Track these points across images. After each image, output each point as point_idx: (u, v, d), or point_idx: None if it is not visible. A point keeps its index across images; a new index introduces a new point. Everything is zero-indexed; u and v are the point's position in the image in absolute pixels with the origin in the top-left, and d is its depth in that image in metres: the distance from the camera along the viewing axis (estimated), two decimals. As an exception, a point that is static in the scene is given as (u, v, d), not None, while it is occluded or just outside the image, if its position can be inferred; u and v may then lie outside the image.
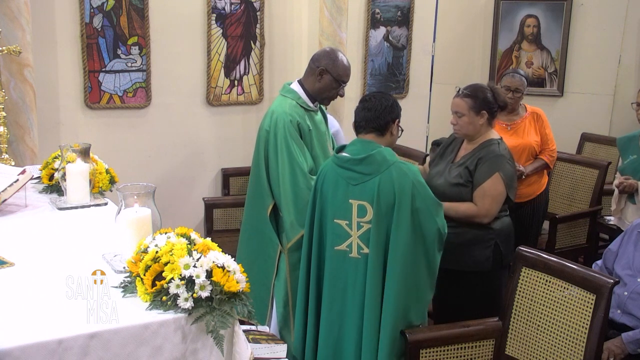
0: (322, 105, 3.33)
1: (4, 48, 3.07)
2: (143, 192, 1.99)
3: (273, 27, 4.81)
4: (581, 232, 4.42)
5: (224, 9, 4.59)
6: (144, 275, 1.74)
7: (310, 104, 3.21)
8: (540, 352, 2.67)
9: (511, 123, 4.03)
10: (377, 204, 2.70)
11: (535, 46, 5.60)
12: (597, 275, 2.55)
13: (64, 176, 2.62)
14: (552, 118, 4.46)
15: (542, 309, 2.68)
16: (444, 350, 2.75)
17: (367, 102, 2.87)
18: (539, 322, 2.68)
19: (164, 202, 3.75)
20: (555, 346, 2.62)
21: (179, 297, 1.70)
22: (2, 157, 3.03)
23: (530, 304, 2.72)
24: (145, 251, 1.79)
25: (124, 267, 1.90)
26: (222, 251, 1.81)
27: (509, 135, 3.92)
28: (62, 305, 1.73)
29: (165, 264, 1.73)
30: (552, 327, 2.64)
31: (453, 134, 3.31)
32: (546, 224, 4.34)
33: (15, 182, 2.53)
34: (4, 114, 3.02)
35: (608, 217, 4.41)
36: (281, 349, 2.71)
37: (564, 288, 2.61)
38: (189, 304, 1.69)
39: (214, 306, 1.71)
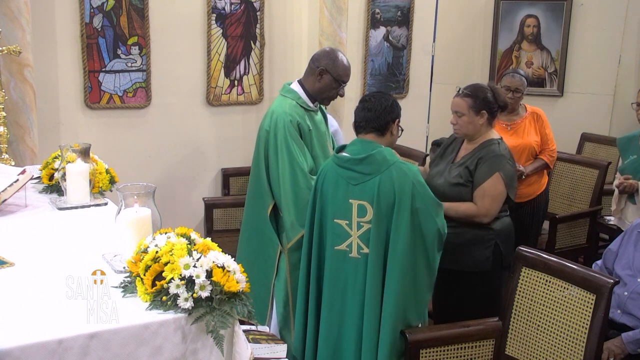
0: (322, 105, 3.33)
1: (4, 48, 3.07)
2: (143, 192, 1.99)
3: (273, 27, 4.81)
4: (581, 232, 4.42)
5: (224, 9, 4.59)
6: (144, 275, 1.74)
7: (310, 104, 3.21)
8: (540, 352, 2.67)
9: (511, 123, 4.03)
10: (377, 204, 2.70)
11: (535, 46, 5.60)
12: (597, 275, 2.55)
13: (64, 176, 2.61)
14: (552, 118, 4.46)
15: (542, 309, 2.68)
16: (444, 350, 2.75)
17: (367, 102, 2.87)
18: (539, 322, 2.68)
19: (164, 202, 3.75)
20: (555, 346, 2.62)
21: (179, 297, 1.70)
22: (2, 157, 3.03)
23: (530, 304, 2.72)
24: (145, 251, 1.79)
25: (124, 267, 1.90)
26: (222, 251, 1.81)
27: (509, 135, 3.92)
28: (62, 305, 1.72)
29: (165, 264, 1.73)
30: (552, 327, 2.64)
31: (453, 134, 3.31)
32: (546, 224, 4.34)
33: (15, 182, 2.53)
34: (4, 114, 3.02)
35: (608, 217, 4.41)
36: (281, 349, 2.71)
37: (564, 288, 2.61)
38: (189, 304, 1.69)
39: (214, 306, 1.71)
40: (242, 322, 2.02)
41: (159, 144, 4.56)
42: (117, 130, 4.40)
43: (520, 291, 2.76)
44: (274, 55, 4.86)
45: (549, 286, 2.67)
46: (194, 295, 1.70)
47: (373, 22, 5.09)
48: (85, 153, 2.61)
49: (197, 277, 1.70)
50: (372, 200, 2.72)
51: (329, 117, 3.53)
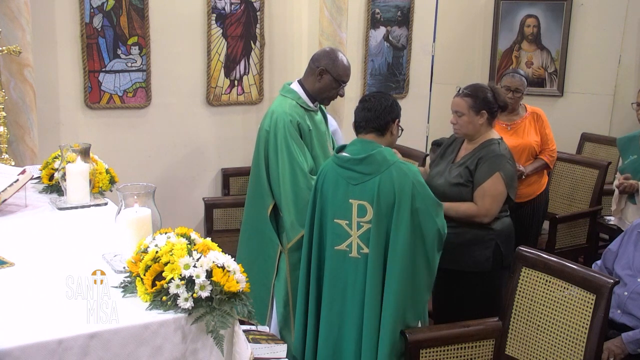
0: (322, 105, 3.33)
1: (4, 48, 3.07)
2: (143, 192, 1.99)
3: (273, 27, 4.81)
4: (581, 232, 4.42)
5: (224, 9, 4.59)
6: (144, 275, 1.74)
7: (310, 104, 3.21)
8: (540, 352, 2.67)
9: (511, 123, 4.03)
10: (377, 204, 2.70)
11: (535, 46, 5.60)
12: (597, 275, 2.55)
13: (64, 176, 2.61)
14: (552, 118, 4.46)
15: (542, 309, 2.68)
16: (444, 350, 2.75)
17: (366, 102, 2.87)
18: (539, 322, 2.68)
19: (164, 202, 3.75)
20: (555, 346, 2.62)
21: (179, 297, 1.70)
22: (2, 157, 3.03)
23: (530, 304, 2.72)
24: (145, 251, 1.79)
25: (124, 267, 1.90)
26: (222, 251, 1.81)
27: (509, 135, 3.92)
28: (62, 305, 1.72)
29: (165, 264, 1.73)
30: (552, 327, 2.64)
31: (454, 134, 3.31)
32: (546, 224, 4.34)
33: (15, 182, 2.53)
34: (4, 114, 3.02)
35: (608, 217, 4.41)
36: (281, 349, 2.71)
37: (564, 288, 2.61)
38: (189, 304, 1.69)
39: (214, 306, 1.71)
40: (242, 322, 2.02)
41: (159, 144, 4.56)
42: (117, 130, 4.40)
43: (520, 291, 2.76)
44: (274, 55, 4.86)
45: (549, 286, 2.67)
46: (194, 295, 1.70)
47: (373, 22, 5.09)
48: (85, 153, 2.61)
49: (197, 277, 1.70)
50: (372, 200, 2.72)
51: (328, 116, 3.53)
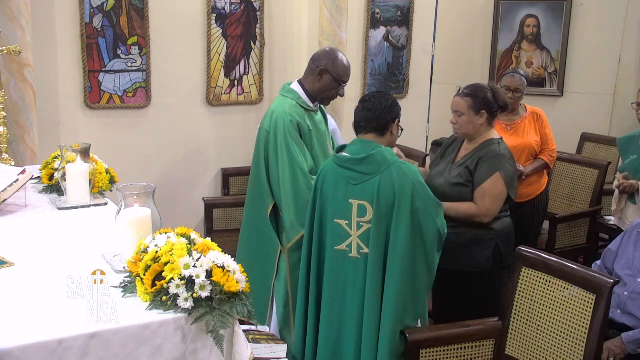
0: (322, 105, 3.33)
1: (4, 48, 3.07)
2: (143, 192, 1.99)
3: (273, 27, 4.81)
4: (581, 232, 4.42)
5: (224, 9, 4.59)
6: (144, 275, 1.74)
7: (310, 104, 3.21)
8: (540, 352, 2.67)
9: (511, 123, 4.03)
10: (377, 204, 2.70)
11: (535, 46, 5.60)
12: (597, 275, 2.55)
13: (64, 176, 2.61)
14: (552, 118, 4.46)
15: (542, 309, 2.68)
16: (444, 350, 2.75)
17: (366, 102, 2.87)
18: (539, 322, 2.68)
19: (164, 202, 3.75)
20: (555, 346, 2.62)
21: (179, 297, 1.70)
22: (2, 157, 3.03)
23: (530, 304, 2.72)
24: (145, 251, 1.79)
25: (124, 267, 1.90)
26: (222, 251, 1.81)
27: (509, 135, 3.92)
28: (62, 305, 1.72)
29: (165, 264, 1.73)
30: (552, 327, 2.64)
31: (454, 134, 3.31)
32: (546, 224, 4.34)
33: (15, 182, 2.53)
34: (4, 114, 3.02)
35: (608, 217, 4.41)
36: (281, 349, 2.71)
37: (564, 288, 2.61)
38: (189, 304, 1.69)
39: (214, 306, 1.71)
40: (242, 322, 2.02)
41: (159, 144, 4.56)
42: (117, 130, 4.40)
43: (520, 291, 2.76)
44: (274, 55, 4.86)
45: (549, 286, 2.67)
46: (194, 295, 1.70)
47: (373, 22, 5.09)
48: (85, 153, 2.61)
49: (197, 277, 1.70)
50: (372, 200, 2.72)
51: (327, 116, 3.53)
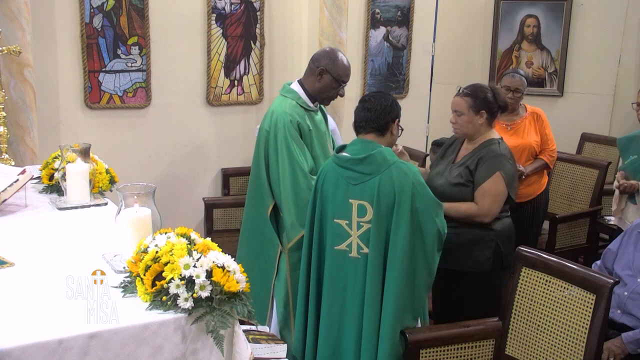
0: (322, 105, 3.33)
1: (4, 48, 3.07)
2: (143, 192, 1.99)
3: (273, 27, 4.81)
4: (581, 232, 4.42)
5: (224, 9, 4.59)
6: (144, 275, 1.74)
7: (310, 104, 3.21)
8: (540, 352, 2.67)
9: (511, 123, 4.03)
10: (377, 204, 2.70)
11: (535, 46, 5.60)
12: (597, 275, 2.55)
13: (64, 176, 2.61)
14: (552, 118, 4.46)
15: (542, 309, 2.68)
16: (444, 350, 2.75)
17: (366, 102, 2.87)
18: (539, 322, 2.68)
19: (164, 202, 3.75)
20: (555, 346, 2.62)
21: (179, 297, 1.70)
22: (2, 157, 3.03)
23: (530, 304, 2.72)
24: (145, 251, 1.79)
25: (124, 267, 1.90)
26: (222, 251, 1.81)
27: (509, 135, 3.92)
28: (62, 305, 1.72)
29: (165, 264, 1.73)
30: (552, 327, 2.64)
31: (454, 134, 3.31)
32: (546, 224, 4.34)
33: (15, 182, 2.53)
34: (4, 114, 3.02)
35: (608, 217, 4.41)
36: (281, 349, 2.71)
37: (564, 288, 2.61)
38: (189, 304, 1.69)
39: (214, 306, 1.71)
40: (242, 322, 2.02)
41: (159, 144, 4.56)
42: (117, 130, 4.40)
43: (520, 291, 2.76)
44: (274, 55, 4.86)
45: (549, 286, 2.67)
46: (194, 295, 1.70)
47: (373, 22, 5.09)
48: (85, 153, 2.61)
49: (197, 277, 1.70)
50: (372, 200, 2.72)
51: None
